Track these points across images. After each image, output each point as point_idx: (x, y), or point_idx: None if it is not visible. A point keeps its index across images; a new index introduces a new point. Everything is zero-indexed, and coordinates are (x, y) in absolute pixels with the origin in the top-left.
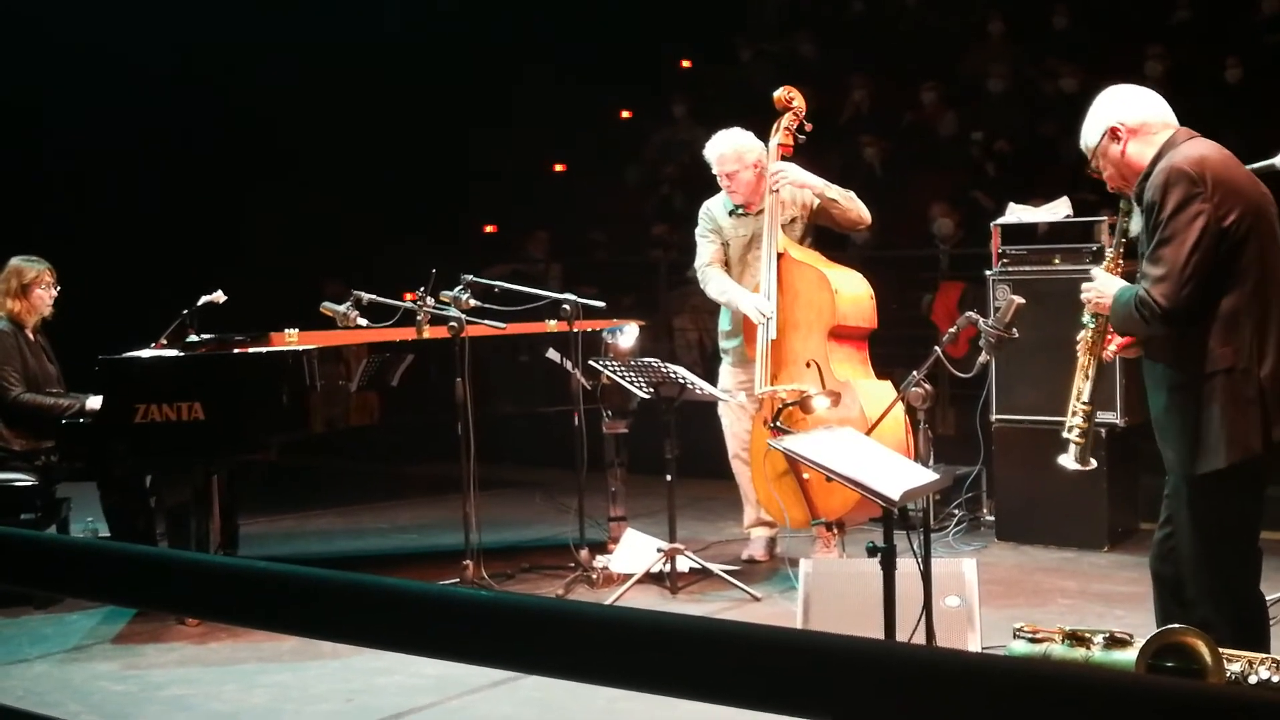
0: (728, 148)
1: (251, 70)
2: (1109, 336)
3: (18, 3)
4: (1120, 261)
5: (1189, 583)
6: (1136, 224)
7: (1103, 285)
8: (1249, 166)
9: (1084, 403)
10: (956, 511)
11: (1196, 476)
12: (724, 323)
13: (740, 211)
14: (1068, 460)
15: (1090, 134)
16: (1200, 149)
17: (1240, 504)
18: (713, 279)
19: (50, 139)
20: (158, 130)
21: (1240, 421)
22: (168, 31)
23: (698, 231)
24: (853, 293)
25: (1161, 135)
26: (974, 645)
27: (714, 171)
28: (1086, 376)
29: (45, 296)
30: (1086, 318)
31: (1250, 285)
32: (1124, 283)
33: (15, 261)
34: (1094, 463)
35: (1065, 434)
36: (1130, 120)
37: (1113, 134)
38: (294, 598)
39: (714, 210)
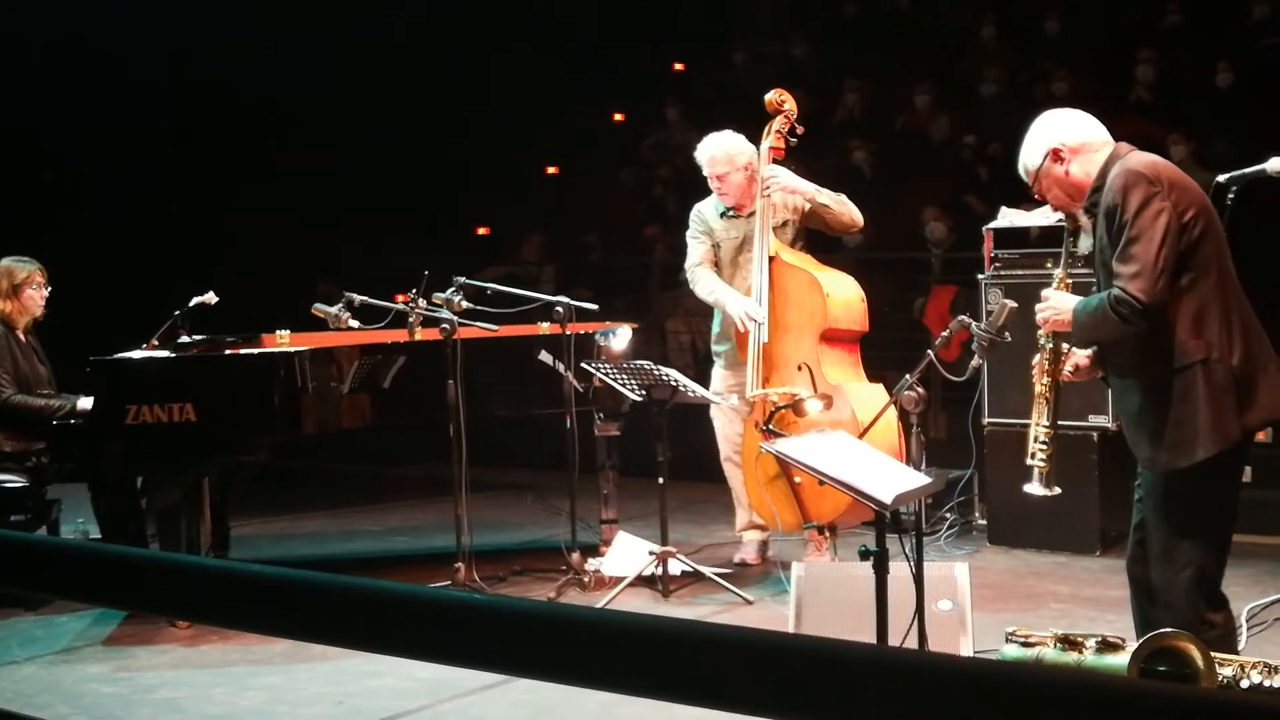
0: (718, 150)
1: (246, 71)
2: (1065, 356)
3: (13, 5)
4: (1069, 281)
5: (1161, 584)
6: (1085, 243)
7: (1057, 303)
8: (1241, 171)
9: (1044, 427)
10: (948, 515)
11: (1177, 471)
12: (716, 325)
13: (731, 213)
14: (1034, 488)
15: (1031, 157)
16: (1148, 156)
17: (1219, 494)
18: (702, 279)
19: (44, 140)
20: (151, 130)
21: (1220, 411)
22: (163, 31)
23: (689, 233)
24: (844, 296)
25: (1103, 152)
26: (966, 649)
27: (705, 173)
28: (1045, 401)
29: (36, 297)
30: (1042, 339)
31: (1213, 279)
32: (1077, 297)
33: (6, 262)
34: (1058, 489)
35: (1029, 460)
36: (1071, 140)
37: (1055, 155)
38: (285, 600)
39: (705, 212)
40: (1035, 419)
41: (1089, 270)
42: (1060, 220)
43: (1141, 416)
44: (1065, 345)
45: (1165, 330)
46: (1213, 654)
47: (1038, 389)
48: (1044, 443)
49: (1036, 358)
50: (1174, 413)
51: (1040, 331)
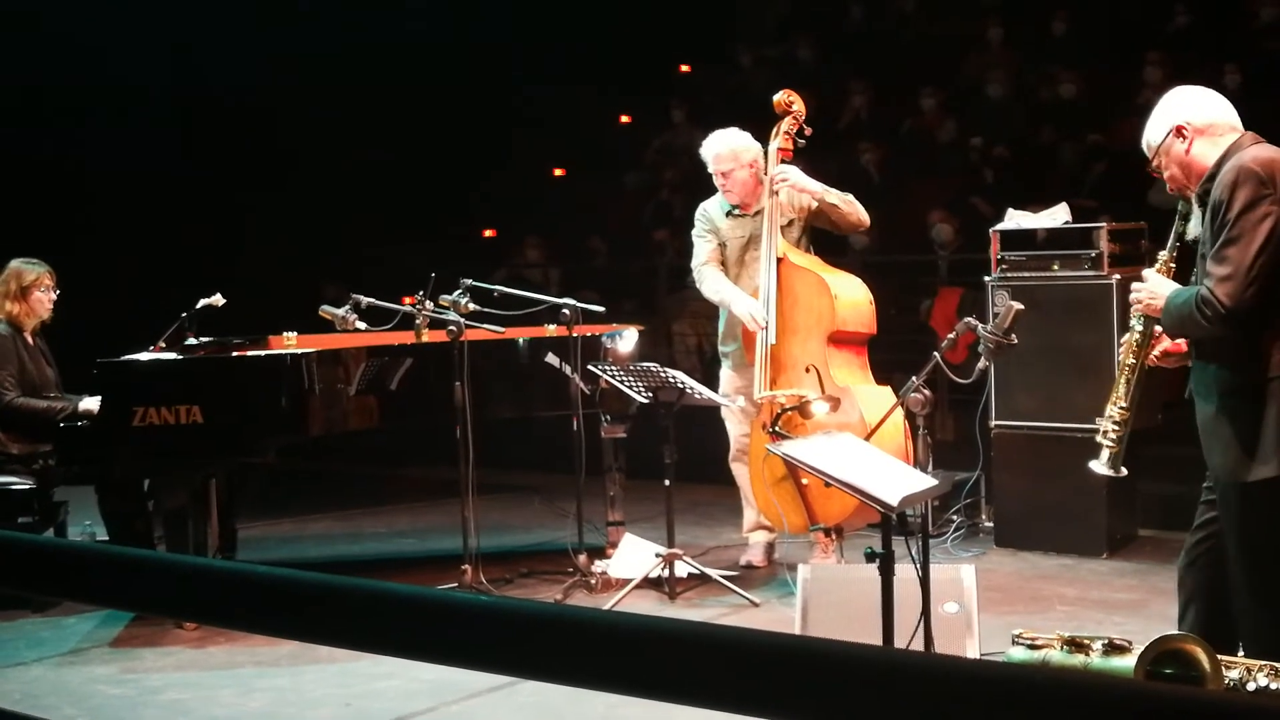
0: (724, 147)
1: (251, 73)
2: (1155, 340)
3: (18, 6)
4: (1173, 265)
5: (1238, 593)
6: (1194, 227)
7: (1155, 287)
8: None
9: (1121, 407)
10: (955, 517)
11: (1246, 484)
12: (722, 326)
13: (737, 212)
14: (1099, 465)
15: (1155, 132)
16: (1269, 152)
17: None
18: (708, 278)
19: (49, 142)
20: (157, 132)
21: None
22: (166, 33)
23: (694, 232)
24: (852, 298)
25: (1228, 138)
26: (972, 652)
27: (710, 170)
28: (1128, 382)
29: (45, 299)
30: (1134, 320)
31: None
32: (1176, 285)
33: (15, 264)
34: (1124, 470)
35: (1099, 438)
36: (1198, 120)
37: (1178, 132)
38: (292, 602)
39: (711, 211)
40: (1114, 398)
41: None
42: (1067, 223)
43: (1217, 422)
44: (1157, 328)
45: (1252, 338)
46: (1219, 657)
47: (1122, 368)
48: (1118, 423)
49: (1126, 336)
50: (1247, 425)
51: (1133, 311)
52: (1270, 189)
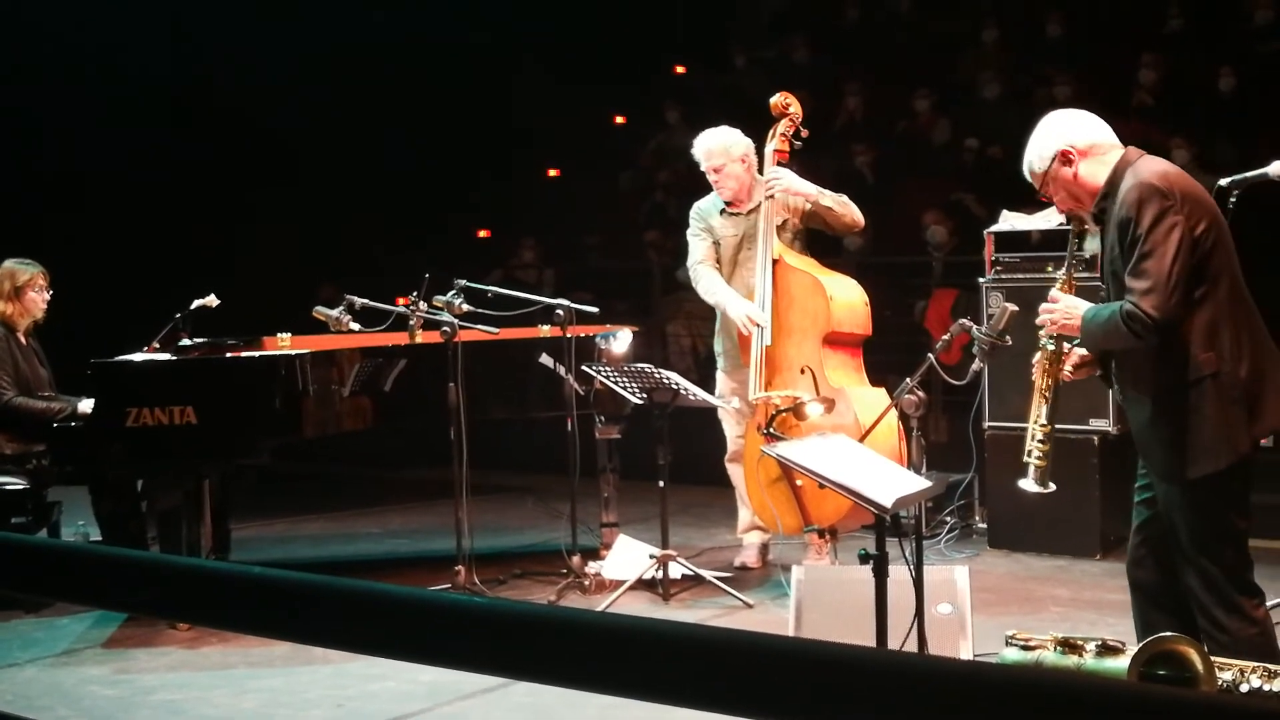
0: (714, 143)
1: (247, 73)
2: (1065, 355)
3: (17, 6)
4: (1074, 282)
5: (1192, 589)
6: (1092, 245)
7: (1069, 306)
8: (1242, 175)
9: (1041, 424)
10: (949, 519)
11: (1191, 482)
12: (718, 327)
13: (731, 211)
14: (1027, 484)
15: (1038, 160)
16: (1159, 165)
17: (1235, 502)
18: (703, 277)
19: (46, 141)
20: (153, 133)
21: (1230, 424)
22: (165, 33)
23: (689, 231)
24: (847, 299)
25: (1113, 155)
26: (966, 653)
27: (702, 168)
28: (1044, 399)
29: (38, 300)
30: (1045, 340)
31: (1223, 291)
32: (1087, 302)
33: (8, 264)
34: (1053, 486)
35: (1025, 458)
36: (1080, 143)
37: (1064, 158)
38: (285, 603)
39: (704, 210)
40: (1034, 417)
41: (1090, 274)
42: (1062, 224)
43: (1153, 428)
44: (1066, 345)
45: (1177, 343)
46: (1213, 658)
47: (1038, 387)
48: (1041, 440)
49: (1037, 356)
50: (1185, 425)
51: (1042, 331)
52: (1172, 200)
